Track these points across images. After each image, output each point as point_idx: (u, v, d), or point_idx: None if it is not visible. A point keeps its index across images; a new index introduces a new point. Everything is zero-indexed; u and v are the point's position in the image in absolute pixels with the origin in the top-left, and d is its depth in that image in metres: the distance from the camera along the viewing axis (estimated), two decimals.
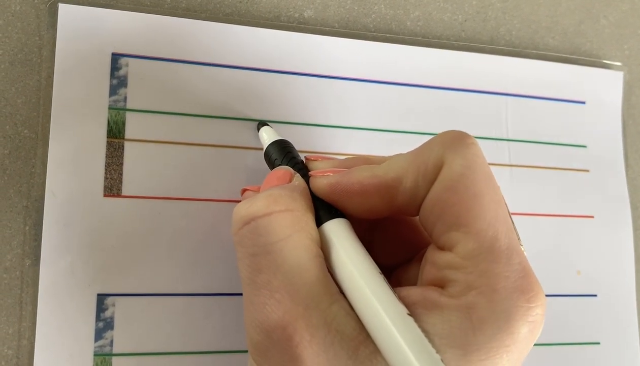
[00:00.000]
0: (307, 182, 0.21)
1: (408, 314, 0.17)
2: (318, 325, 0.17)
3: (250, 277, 0.19)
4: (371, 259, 0.19)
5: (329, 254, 0.19)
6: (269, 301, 0.18)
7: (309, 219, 0.20)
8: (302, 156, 0.24)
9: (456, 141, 0.19)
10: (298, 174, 0.21)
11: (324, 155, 0.23)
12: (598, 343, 0.31)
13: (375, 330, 0.17)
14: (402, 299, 0.18)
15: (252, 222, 0.19)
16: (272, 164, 0.24)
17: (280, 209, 0.19)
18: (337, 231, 0.20)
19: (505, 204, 0.19)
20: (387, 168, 0.20)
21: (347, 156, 0.28)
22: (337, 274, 0.19)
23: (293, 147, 0.24)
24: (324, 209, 0.20)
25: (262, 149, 0.25)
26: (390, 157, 0.21)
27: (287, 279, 0.18)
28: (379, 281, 0.18)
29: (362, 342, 0.17)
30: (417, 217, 0.20)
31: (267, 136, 0.25)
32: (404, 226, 0.23)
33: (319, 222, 0.20)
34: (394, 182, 0.19)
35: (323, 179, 0.21)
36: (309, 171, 0.22)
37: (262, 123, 0.26)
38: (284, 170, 0.21)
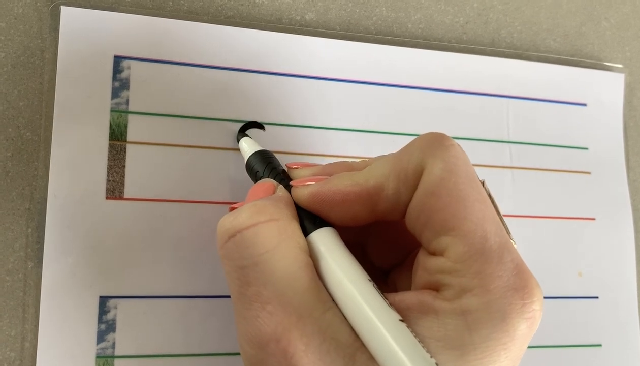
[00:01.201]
0: (290, 192, 0.21)
1: (400, 320, 0.17)
2: (312, 333, 0.17)
3: (239, 291, 0.18)
4: (360, 267, 0.19)
5: (318, 265, 0.19)
6: (260, 313, 0.17)
7: (295, 228, 0.19)
8: (283, 165, 0.23)
9: (435, 144, 0.19)
10: (281, 185, 0.21)
11: (304, 162, 0.23)
12: (600, 345, 0.31)
13: (369, 338, 0.17)
14: (396, 304, 0.18)
15: (237, 234, 0.19)
16: (254, 176, 0.23)
17: (266, 219, 0.19)
18: (324, 240, 0.19)
19: (492, 202, 0.19)
20: (367, 175, 0.19)
21: (349, 158, 0.28)
22: (327, 284, 0.19)
23: (274, 157, 0.24)
24: (308, 219, 0.20)
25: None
26: (371, 163, 0.20)
27: (278, 290, 0.18)
28: (370, 289, 0.18)
29: (359, 348, 0.17)
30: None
31: (248, 147, 0.24)
32: (396, 228, 0.22)
33: (305, 232, 0.20)
34: (375, 189, 0.19)
35: (304, 189, 0.20)
36: (291, 180, 0.22)
37: (241, 133, 0.26)
38: (268, 183, 0.21)
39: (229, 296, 0.25)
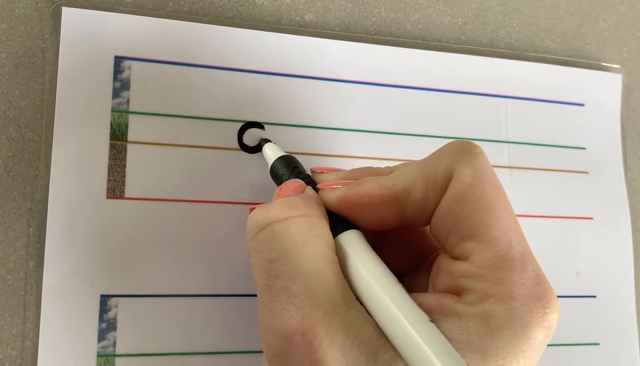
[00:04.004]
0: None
1: (430, 321, 0.17)
2: (337, 329, 0.17)
3: (266, 283, 0.19)
4: (388, 269, 0.19)
5: (345, 266, 0.19)
6: (287, 306, 0.18)
7: (324, 226, 0.20)
8: (307, 170, 0.24)
9: (464, 151, 0.19)
10: (309, 187, 0.21)
11: (329, 167, 0.23)
12: (597, 344, 0.31)
13: (399, 339, 0.17)
14: (418, 305, 0.18)
15: (268, 227, 0.19)
16: (278, 179, 0.24)
17: (297, 214, 0.19)
18: (352, 242, 0.20)
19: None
20: (395, 180, 0.20)
21: (348, 158, 0.28)
22: (355, 285, 0.19)
23: (298, 162, 0.24)
24: (336, 221, 0.20)
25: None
26: (397, 168, 0.21)
27: (306, 285, 0.18)
28: (400, 291, 0.18)
29: (382, 347, 0.17)
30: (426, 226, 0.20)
31: (272, 152, 0.25)
32: (413, 234, 0.23)
33: (332, 234, 0.20)
34: (403, 193, 0.19)
35: (332, 193, 0.21)
36: (317, 184, 0.22)
37: (264, 140, 0.26)
38: (298, 183, 0.21)
39: (230, 295, 0.25)
